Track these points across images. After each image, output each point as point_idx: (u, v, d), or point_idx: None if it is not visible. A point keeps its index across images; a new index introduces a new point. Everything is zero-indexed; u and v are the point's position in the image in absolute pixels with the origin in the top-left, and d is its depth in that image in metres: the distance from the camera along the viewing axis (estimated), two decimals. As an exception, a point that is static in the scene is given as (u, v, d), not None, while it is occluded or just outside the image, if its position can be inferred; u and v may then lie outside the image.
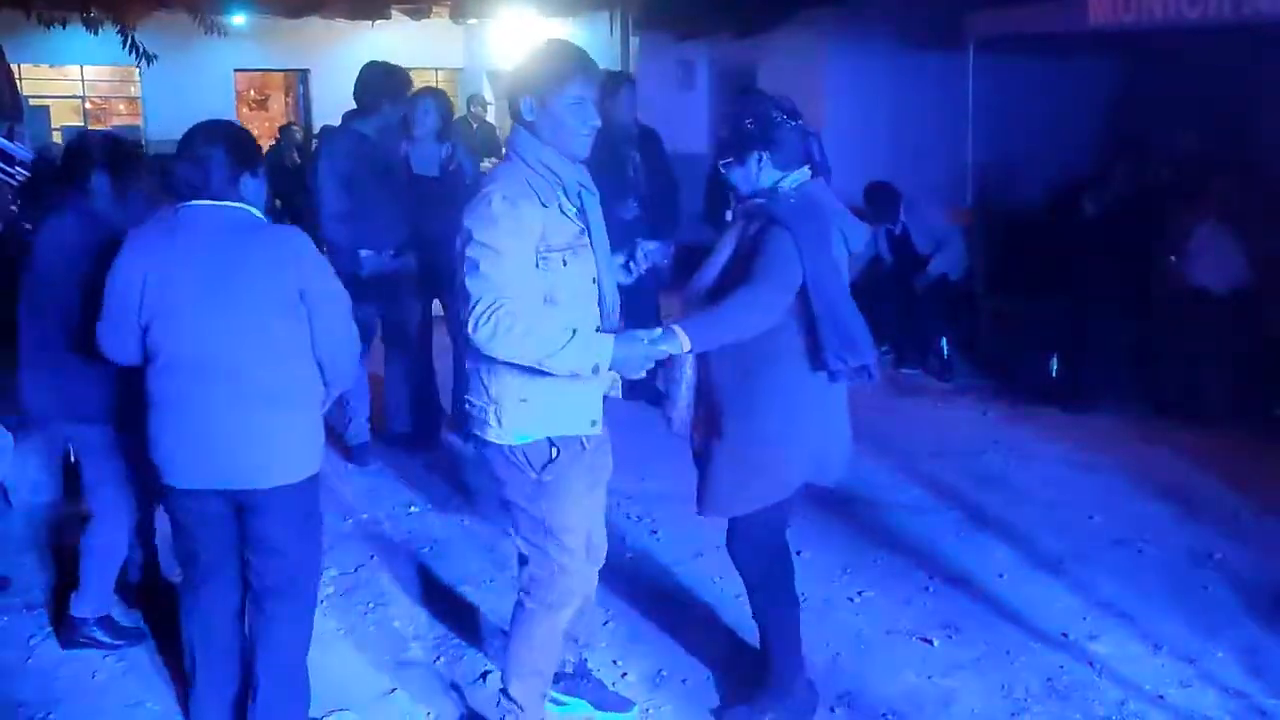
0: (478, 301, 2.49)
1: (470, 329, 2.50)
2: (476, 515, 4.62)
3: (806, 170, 2.88)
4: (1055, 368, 6.39)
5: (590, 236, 2.69)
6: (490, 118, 13.25)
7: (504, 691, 2.90)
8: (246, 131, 2.92)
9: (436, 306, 5.46)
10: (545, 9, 11.23)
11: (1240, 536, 4.38)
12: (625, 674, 3.40)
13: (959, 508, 4.65)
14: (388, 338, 5.31)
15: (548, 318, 2.54)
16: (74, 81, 14.19)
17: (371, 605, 3.86)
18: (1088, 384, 6.13)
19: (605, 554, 3.00)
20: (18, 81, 8.88)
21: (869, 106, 8.72)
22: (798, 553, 4.16)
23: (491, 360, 2.58)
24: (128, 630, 3.58)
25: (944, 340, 6.84)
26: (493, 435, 2.68)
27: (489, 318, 2.46)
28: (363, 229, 4.94)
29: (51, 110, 13.71)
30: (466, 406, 2.75)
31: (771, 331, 2.74)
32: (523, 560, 2.85)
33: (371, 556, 4.23)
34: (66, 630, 3.54)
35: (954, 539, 4.37)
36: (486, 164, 10.27)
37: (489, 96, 14.11)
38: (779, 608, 3.07)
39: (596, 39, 11.27)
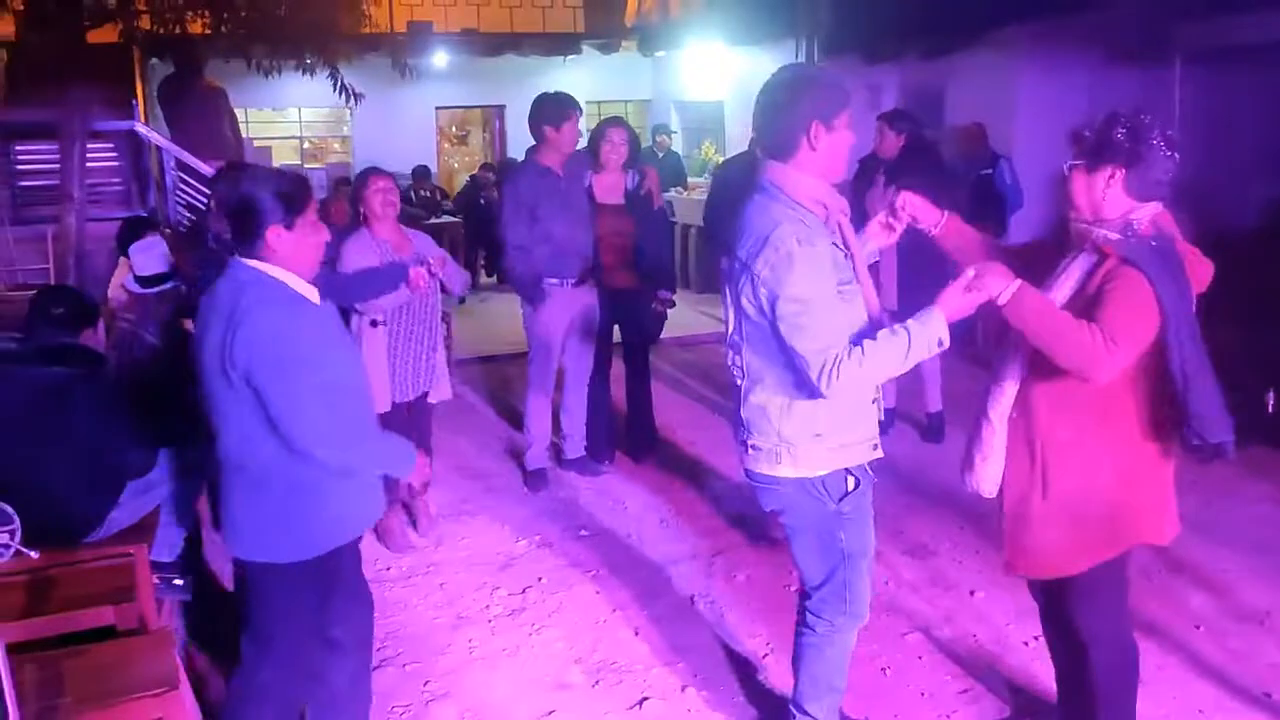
0: (819, 363, 2.47)
1: (822, 386, 2.48)
2: (642, 542, 4.66)
3: (1159, 206, 2.57)
4: (1272, 401, 5.89)
5: (855, 264, 2.68)
6: (676, 146, 13.42)
7: (802, 709, 2.98)
8: (292, 174, 2.67)
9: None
10: (731, 38, 11.29)
11: None
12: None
13: (1150, 550, 4.33)
14: (567, 364, 5.43)
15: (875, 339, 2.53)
16: (293, 123, 15.25)
17: (536, 627, 3.94)
18: (1310, 421, 5.63)
19: None
20: (240, 125, 9.65)
21: (1064, 127, 8.32)
22: (970, 593, 4.02)
23: (780, 399, 2.63)
24: None
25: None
26: (785, 471, 2.70)
27: (832, 371, 2.46)
28: (546, 258, 5.08)
29: (273, 150, 14.78)
30: (749, 449, 2.74)
31: (1114, 388, 2.53)
32: (806, 591, 2.90)
33: (540, 579, 4.33)
34: None
35: (1144, 584, 4.08)
36: (671, 193, 10.45)
37: (675, 126, 14.29)
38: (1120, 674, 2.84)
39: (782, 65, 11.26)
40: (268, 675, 2.74)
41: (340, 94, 7.84)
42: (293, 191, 2.56)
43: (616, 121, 5.45)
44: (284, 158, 15.10)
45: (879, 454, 2.79)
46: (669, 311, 5.62)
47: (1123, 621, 2.84)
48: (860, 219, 5.73)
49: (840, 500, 2.73)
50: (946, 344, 2.52)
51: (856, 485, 2.74)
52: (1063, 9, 7.71)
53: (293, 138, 15.37)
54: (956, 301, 2.51)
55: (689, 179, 11.92)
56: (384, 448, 2.80)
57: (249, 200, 2.52)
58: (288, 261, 2.58)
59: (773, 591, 4.12)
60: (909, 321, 2.50)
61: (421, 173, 12.24)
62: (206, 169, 8.09)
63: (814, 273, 2.48)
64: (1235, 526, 4.62)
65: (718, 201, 5.80)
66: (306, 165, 14.61)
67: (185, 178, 8.26)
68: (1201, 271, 2.61)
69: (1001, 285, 2.48)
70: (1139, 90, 7.67)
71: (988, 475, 2.76)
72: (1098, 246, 2.55)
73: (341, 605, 2.86)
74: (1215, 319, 6.94)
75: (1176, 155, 2.52)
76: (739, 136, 11.10)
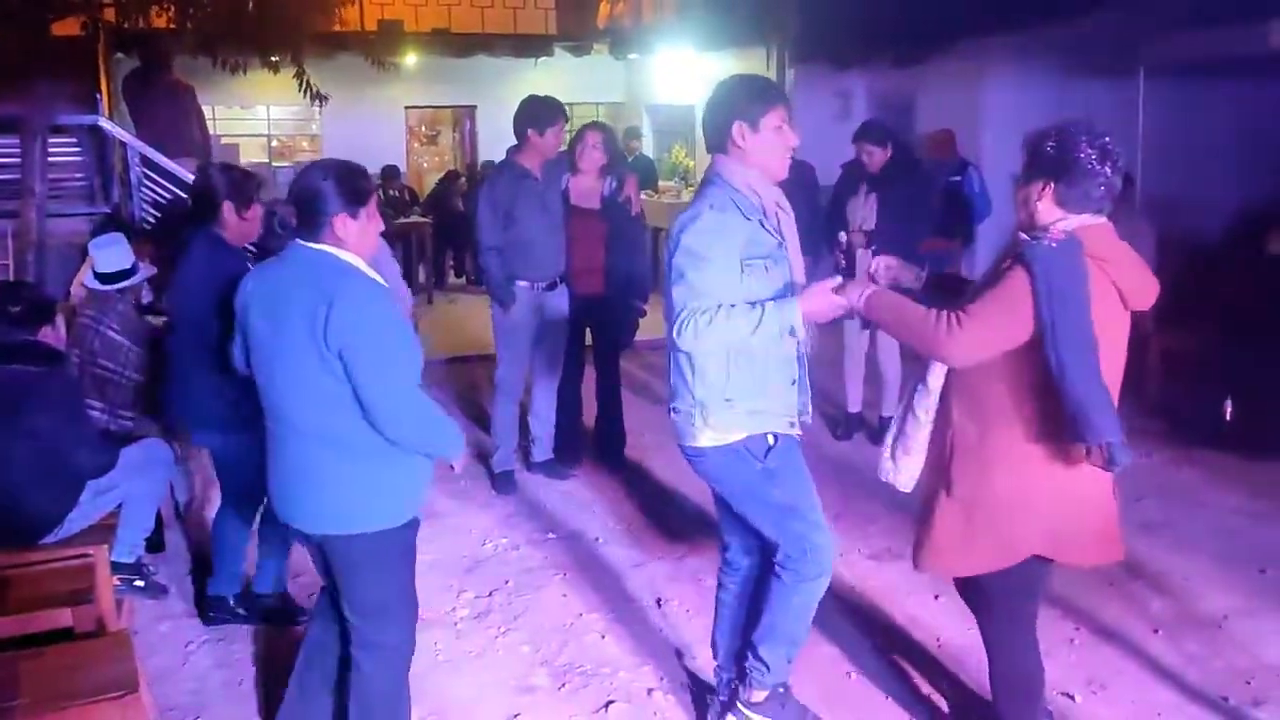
0: (681, 309, 2.68)
1: (675, 335, 2.69)
2: (610, 545, 4.66)
3: (1097, 219, 2.60)
4: (1229, 410, 5.98)
5: (787, 249, 2.86)
6: (647, 150, 13.43)
7: (753, 652, 3.06)
8: (356, 168, 2.78)
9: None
10: (702, 43, 11.31)
11: None
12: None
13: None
14: (536, 367, 5.42)
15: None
16: (261, 121, 15.11)
17: (503, 630, 3.92)
18: (1266, 428, 5.72)
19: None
20: (208, 122, 9.53)
21: (1031, 137, 8.42)
22: (935, 597, 4.05)
23: (697, 365, 2.79)
24: (264, 611, 3.92)
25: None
26: (707, 439, 2.84)
27: (688, 323, 2.66)
28: (518, 260, 5.07)
29: (241, 148, 14.63)
30: (673, 414, 2.91)
31: (1006, 392, 2.60)
32: (774, 546, 2.97)
33: (506, 581, 4.31)
34: (206, 608, 3.95)
35: (1107, 588, 4.13)
36: (642, 196, 10.45)
37: (647, 130, 14.29)
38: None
39: (753, 71, 11.30)
40: (393, 637, 2.85)
41: (305, 95, 7.74)
42: (357, 183, 2.72)
43: (595, 125, 5.43)
44: (251, 156, 14.95)
45: (795, 431, 2.92)
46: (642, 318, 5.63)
47: (1022, 636, 2.84)
48: (841, 224, 5.82)
49: (765, 457, 2.86)
50: (799, 335, 2.71)
51: (777, 441, 2.86)
52: (1031, 21, 7.79)
53: (260, 135, 15.24)
54: (817, 301, 2.70)
55: (660, 182, 11.94)
56: (447, 428, 2.84)
57: (317, 189, 2.65)
58: (353, 247, 2.70)
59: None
60: (768, 303, 2.68)
61: (391, 172, 12.18)
62: (173, 166, 7.98)
63: (715, 234, 2.71)
64: (1195, 532, 4.68)
65: None
66: (274, 164, 14.50)
67: (150, 174, 8.15)
68: (1141, 285, 2.63)
69: (858, 291, 2.68)
70: (1105, 102, 7.77)
71: (908, 471, 2.84)
72: (1010, 245, 2.66)
73: None
74: (1176, 329, 7.11)
75: (1109, 169, 2.55)
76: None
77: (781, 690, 3.13)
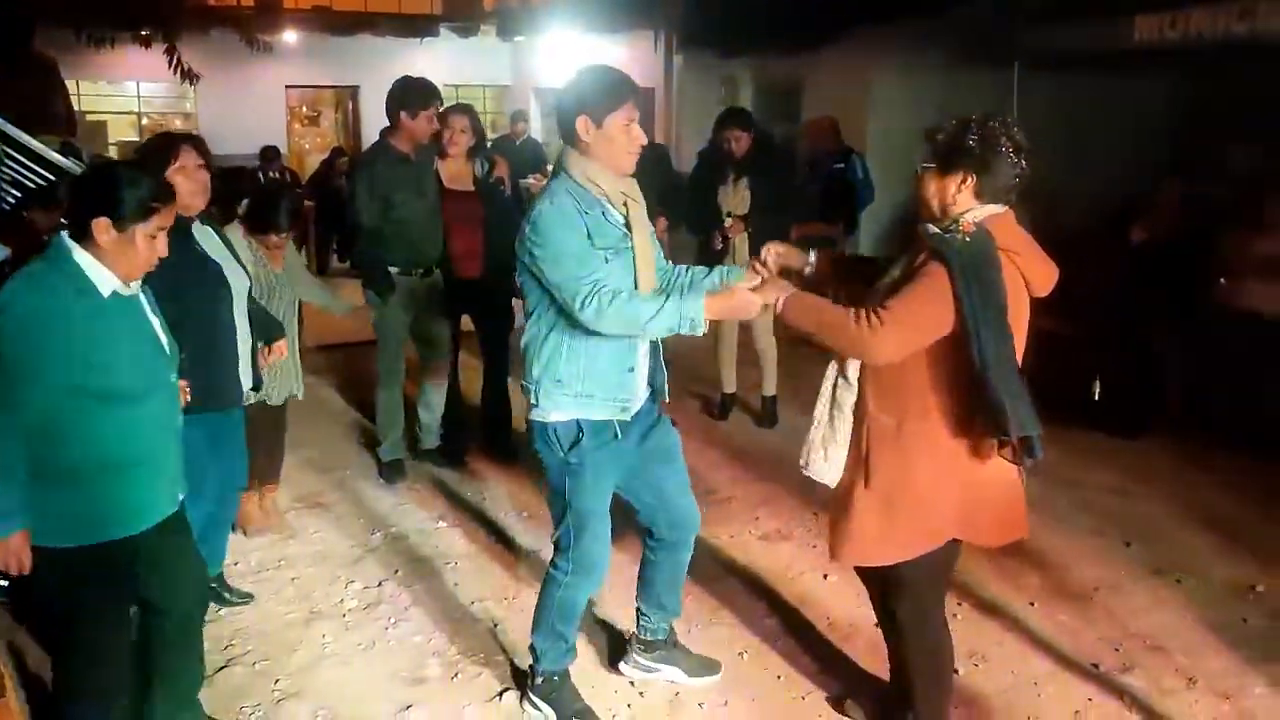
0: (575, 292, 2.72)
1: (576, 310, 2.73)
2: (502, 532, 4.62)
3: (1002, 209, 2.64)
4: (1097, 391, 6.24)
5: (633, 239, 2.89)
6: (536, 133, 13.33)
7: (531, 635, 3.21)
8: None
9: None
10: (590, 27, 11.28)
11: (1285, 568, 4.25)
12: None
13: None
14: (422, 354, 5.32)
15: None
16: (130, 98, 14.51)
17: (393, 620, 3.86)
18: (1136, 409, 5.99)
19: (698, 523, 3.27)
20: (73, 98, 9.10)
21: (914, 126, 8.62)
22: (824, 576, 4.13)
23: (539, 342, 2.89)
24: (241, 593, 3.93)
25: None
26: (536, 414, 2.95)
27: (592, 298, 2.70)
28: (396, 246, 4.96)
29: (109, 125, 14.02)
30: (522, 390, 3.00)
31: (932, 385, 2.62)
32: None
33: (395, 571, 4.24)
34: None
35: (986, 565, 4.27)
36: (531, 179, 10.37)
37: (534, 112, 14.19)
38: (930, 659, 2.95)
39: (640, 56, 11.30)
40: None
41: (176, 72, 7.44)
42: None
43: (459, 108, 5.36)
44: (120, 134, 14.36)
45: (625, 416, 2.96)
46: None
47: (935, 616, 2.92)
48: (711, 214, 5.87)
49: (568, 450, 2.93)
50: (700, 331, 2.74)
51: (581, 437, 2.92)
52: (913, 12, 7.98)
53: (130, 113, 14.63)
54: (722, 302, 2.77)
55: (548, 165, 11.85)
56: None
57: None
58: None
59: (634, 580, 4.12)
60: (669, 296, 2.78)
61: (270, 153, 11.82)
62: (35, 143, 7.60)
63: (556, 221, 2.78)
64: (1068, 509, 4.87)
65: None
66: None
67: (10, 151, 7.75)
68: (1044, 273, 2.69)
69: (775, 294, 2.70)
70: (982, 92, 8.00)
71: (834, 466, 2.82)
72: (921, 239, 2.65)
73: None
74: (1047, 314, 7.34)
75: (1024, 160, 2.60)
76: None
77: (556, 679, 3.22)
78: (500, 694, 3.38)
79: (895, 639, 2.99)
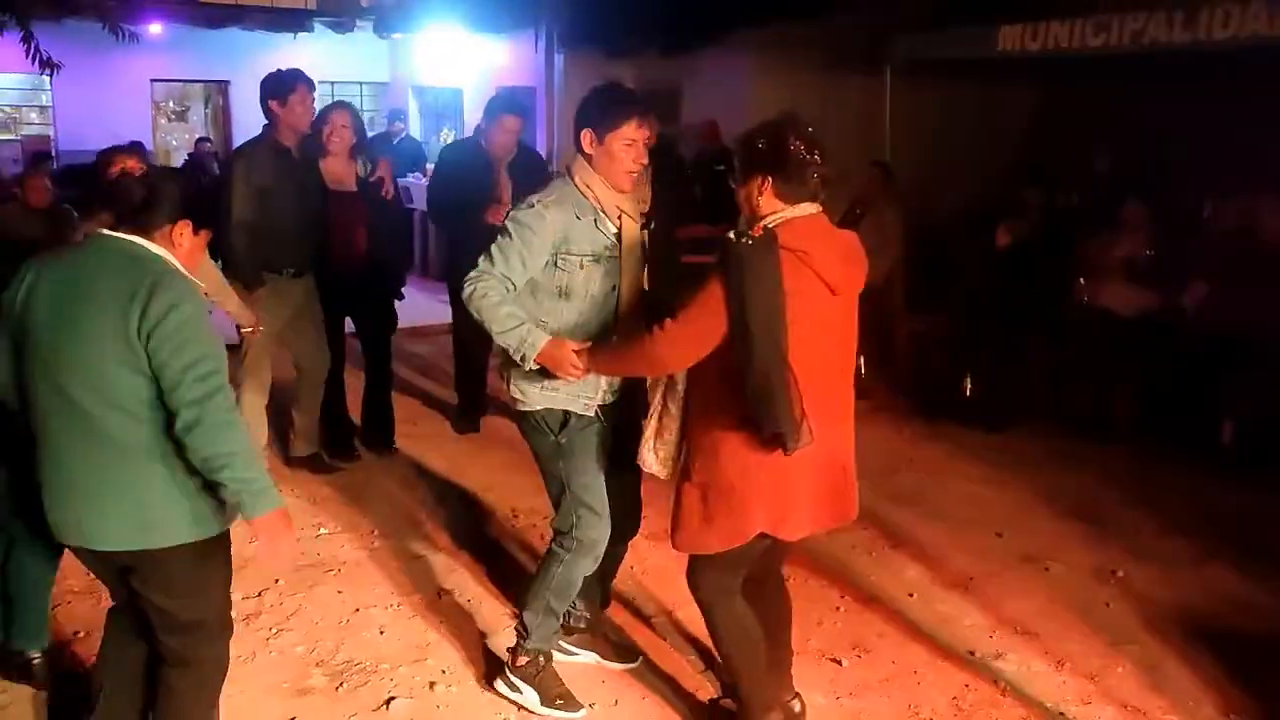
0: (476, 272, 2.92)
1: (464, 294, 2.92)
2: (386, 538, 4.54)
3: (813, 207, 2.72)
4: (969, 387, 6.48)
5: (620, 251, 3.04)
6: (414, 133, 13.12)
7: (520, 614, 3.29)
8: None
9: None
10: (471, 24, 11.15)
11: (1143, 554, 4.48)
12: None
13: (873, 526, 4.66)
14: (298, 358, 5.16)
15: (533, 304, 3.00)
16: (-20, 88, 13.76)
17: (274, 630, 3.75)
18: (1004, 404, 6.23)
19: (639, 525, 3.43)
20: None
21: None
22: (710, 573, 4.17)
23: None
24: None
25: (860, 358, 6.89)
26: (521, 405, 3.11)
27: (475, 282, 2.90)
28: (269, 245, 4.80)
29: (-42, 118, 13.27)
30: (500, 374, 3.14)
31: (717, 383, 2.71)
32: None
33: (276, 580, 4.12)
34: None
35: (867, 558, 4.40)
36: (409, 178, 10.20)
37: (412, 111, 13.97)
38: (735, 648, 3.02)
39: (522, 56, 11.23)
40: (210, 652, 2.79)
41: (34, 61, 7.07)
42: None
43: (340, 105, 5.27)
44: (-30, 127, 13.61)
45: (589, 412, 3.09)
46: (399, 302, 5.52)
47: (734, 595, 2.96)
48: None
49: (559, 432, 3.09)
50: (526, 365, 2.91)
51: (568, 421, 3.07)
52: (793, 16, 8.14)
53: (-19, 104, 13.87)
54: (550, 351, 2.89)
55: (427, 164, 11.68)
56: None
57: None
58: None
59: (524, 582, 4.11)
60: (527, 324, 2.90)
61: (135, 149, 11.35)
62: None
63: (535, 224, 2.93)
64: (943, 501, 5.05)
65: (443, 184, 5.72)
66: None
67: None
68: (843, 273, 2.73)
69: (583, 363, 2.88)
70: (859, 96, 8.23)
71: (666, 461, 2.95)
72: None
73: None
74: (923, 312, 7.58)
75: (818, 157, 2.68)
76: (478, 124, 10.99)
77: (542, 660, 3.28)
78: (387, 702, 3.32)
79: (704, 618, 3.06)
